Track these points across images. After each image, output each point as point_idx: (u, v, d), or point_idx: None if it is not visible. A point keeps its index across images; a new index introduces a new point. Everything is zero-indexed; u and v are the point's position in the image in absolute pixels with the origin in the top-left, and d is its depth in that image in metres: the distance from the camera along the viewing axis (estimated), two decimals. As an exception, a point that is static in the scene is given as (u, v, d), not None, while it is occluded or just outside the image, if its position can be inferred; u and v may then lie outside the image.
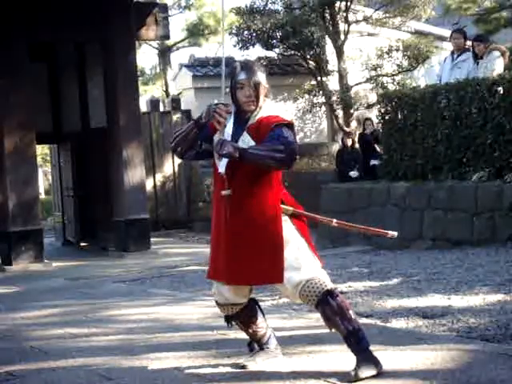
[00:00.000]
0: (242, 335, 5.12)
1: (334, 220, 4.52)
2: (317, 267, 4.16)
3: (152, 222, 14.46)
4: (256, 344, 4.53)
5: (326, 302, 4.06)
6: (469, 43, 10.82)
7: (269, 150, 4.06)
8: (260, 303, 6.74)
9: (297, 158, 4.23)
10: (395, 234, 4.47)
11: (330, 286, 4.10)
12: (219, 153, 4.05)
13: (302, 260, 4.13)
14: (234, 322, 4.50)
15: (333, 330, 4.17)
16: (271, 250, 4.12)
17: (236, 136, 4.21)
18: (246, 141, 4.18)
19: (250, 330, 4.48)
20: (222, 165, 4.19)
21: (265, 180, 4.22)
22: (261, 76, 4.31)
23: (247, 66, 4.32)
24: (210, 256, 4.32)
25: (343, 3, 16.34)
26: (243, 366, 4.39)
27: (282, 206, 4.23)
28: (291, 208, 4.27)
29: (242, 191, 4.18)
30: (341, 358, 4.42)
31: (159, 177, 16.80)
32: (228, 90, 4.34)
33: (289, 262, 4.10)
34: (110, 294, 8.06)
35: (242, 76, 4.24)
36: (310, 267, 4.12)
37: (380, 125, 11.91)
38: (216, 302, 4.41)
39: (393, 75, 16.82)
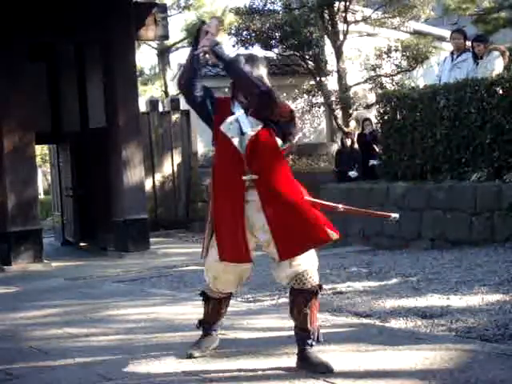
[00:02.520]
0: (241, 335, 5.13)
1: (340, 205, 4.67)
2: (313, 259, 4.34)
3: (151, 222, 14.46)
4: (205, 326, 4.75)
5: (316, 294, 4.29)
6: (468, 43, 10.83)
7: (254, 78, 4.23)
8: (259, 303, 6.79)
9: (274, 109, 4.27)
10: (397, 215, 4.66)
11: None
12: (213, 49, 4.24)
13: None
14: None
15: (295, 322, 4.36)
16: (307, 214, 4.27)
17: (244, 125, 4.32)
18: (253, 123, 4.30)
19: (213, 316, 4.72)
20: (243, 146, 4.30)
21: (281, 163, 4.37)
22: (263, 71, 4.43)
23: (252, 59, 4.44)
24: (222, 240, 4.38)
25: (342, 3, 16.34)
26: (190, 355, 4.61)
27: None
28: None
29: (264, 174, 4.29)
30: (340, 357, 4.43)
31: (158, 177, 16.81)
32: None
33: None
34: (110, 294, 8.06)
35: (246, 68, 4.31)
36: (311, 256, 4.32)
37: (379, 125, 11.91)
38: (208, 290, 4.62)
39: (392, 75, 16.82)
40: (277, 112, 4.31)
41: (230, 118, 4.37)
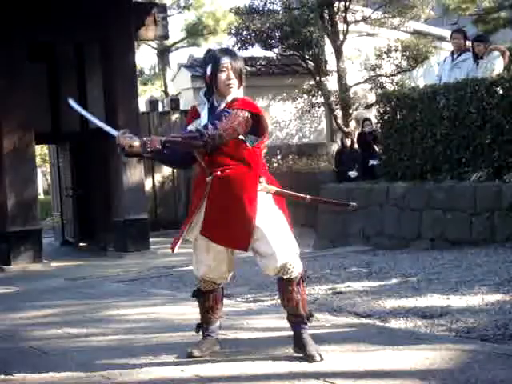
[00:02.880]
0: (241, 335, 5.13)
1: (308, 196, 4.87)
2: (296, 247, 4.48)
3: (151, 222, 14.47)
4: (203, 328, 4.78)
5: (301, 281, 4.46)
6: (469, 43, 10.82)
7: (188, 137, 4.31)
8: (259, 303, 6.79)
9: (221, 138, 4.30)
10: (355, 204, 5.07)
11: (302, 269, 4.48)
12: (146, 151, 4.27)
13: (287, 236, 4.47)
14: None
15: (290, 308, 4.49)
16: (244, 221, 4.37)
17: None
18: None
19: (209, 315, 4.77)
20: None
21: (242, 163, 4.43)
22: (241, 62, 4.48)
23: (229, 51, 4.54)
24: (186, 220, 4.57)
25: (342, 3, 16.36)
26: (190, 354, 4.63)
27: (266, 185, 4.48)
28: (274, 187, 4.53)
29: (222, 175, 4.41)
30: (340, 357, 4.43)
31: (158, 177, 16.81)
32: (208, 72, 4.44)
33: (274, 236, 4.37)
34: (110, 294, 8.06)
35: (225, 59, 4.38)
36: (294, 245, 4.47)
37: (379, 125, 11.91)
38: (201, 278, 4.72)
39: (392, 75, 16.84)
40: (241, 131, 4.36)
41: (195, 123, 4.51)
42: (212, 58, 4.45)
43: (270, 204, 4.50)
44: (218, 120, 4.32)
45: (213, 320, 4.79)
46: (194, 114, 4.63)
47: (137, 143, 4.33)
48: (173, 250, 4.59)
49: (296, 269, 4.42)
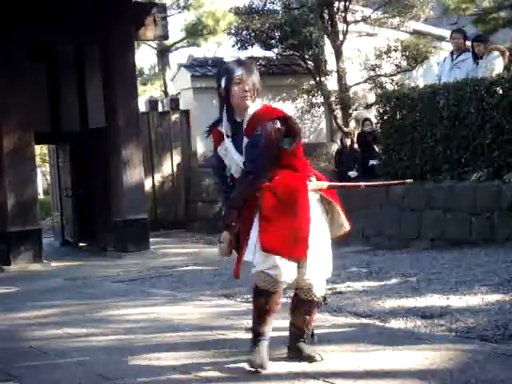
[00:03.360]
0: (241, 335, 5.12)
1: (362, 183, 5.02)
2: (328, 272, 4.43)
3: (151, 222, 14.45)
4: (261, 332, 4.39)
5: (319, 305, 4.45)
6: (468, 43, 10.83)
7: (240, 184, 4.26)
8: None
9: (270, 162, 4.26)
10: (411, 180, 5.16)
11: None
12: (231, 223, 4.25)
13: (325, 257, 4.36)
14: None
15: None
16: (300, 230, 4.23)
17: (239, 147, 4.31)
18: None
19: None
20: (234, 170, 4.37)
21: (288, 168, 4.35)
22: (257, 75, 4.36)
23: (244, 63, 4.39)
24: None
25: (342, 3, 16.35)
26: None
27: (317, 183, 4.47)
28: (325, 182, 4.55)
29: (271, 185, 4.27)
30: (340, 357, 4.43)
31: (158, 177, 16.79)
32: (223, 84, 4.32)
33: (315, 257, 4.27)
34: (109, 294, 8.06)
35: (239, 71, 4.28)
36: (328, 269, 4.41)
37: (379, 125, 11.91)
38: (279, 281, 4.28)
39: (391, 75, 16.83)
40: (277, 143, 4.29)
41: (223, 145, 4.39)
42: (225, 70, 4.35)
43: (318, 213, 4.39)
44: (255, 147, 4.22)
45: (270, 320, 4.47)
46: (217, 135, 4.46)
47: (226, 235, 4.30)
48: (237, 276, 4.34)
49: (319, 292, 4.41)
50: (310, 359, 4.36)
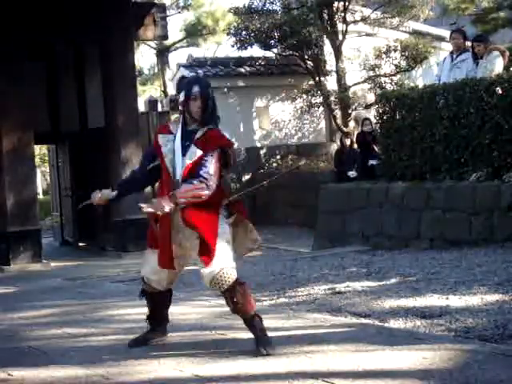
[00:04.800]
0: (240, 335, 5.13)
1: (265, 182, 5.64)
2: (229, 257, 4.75)
3: (150, 222, 14.45)
4: (151, 321, 5.21)
5: (235, 289, 4.70)
6: (468, 43, 10.82)
7: (192, 189, 4.67)
8: (258, 303, 6.78)
9: (212, 185, 4.74)
10: (302, 162, 5.33)
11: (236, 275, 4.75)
12: (162, 212, 4.66)
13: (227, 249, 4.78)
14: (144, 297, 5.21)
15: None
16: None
17: (184, 149, 4.81)
18: (194, 152, 4.77)
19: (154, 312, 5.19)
20: (178, 174, 4.81)
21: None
22: (211, 91, 4.90)
23: (201, 81, 4.97)
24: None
25: (341, 3, 16.36)
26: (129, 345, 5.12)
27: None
28: (235, 195, 5.03)
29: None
30: (339, 357, 4.43)
31: (158, 177, 16.79)
32: (181, 98, 4.84)
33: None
34: (109, 294, 8.06)
35: (196, 89, 4.81)
36: (224, 257, 4.73)
37: (378, 125, 11.91)
38: (144, 280, 5.09)
39: (391, 75, 16.84)
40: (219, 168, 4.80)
41: (167, 137, 4.91)
42: (184, 86, 4.88)
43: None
44: (202, 166, 4.72)
45: (161, 317, 5.21)
46: (165, 129, 5.03)
47: (149, 209, 4.73)
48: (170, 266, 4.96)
49: (226, 282, 4.69)
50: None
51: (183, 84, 4.94)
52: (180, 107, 4.89)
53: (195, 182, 4.68)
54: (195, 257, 4.80)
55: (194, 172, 4.72)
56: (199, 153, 4.74)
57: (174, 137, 4.89)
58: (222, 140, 4.88)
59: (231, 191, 5.14)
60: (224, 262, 4.69)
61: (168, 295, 5.20)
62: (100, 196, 5.29)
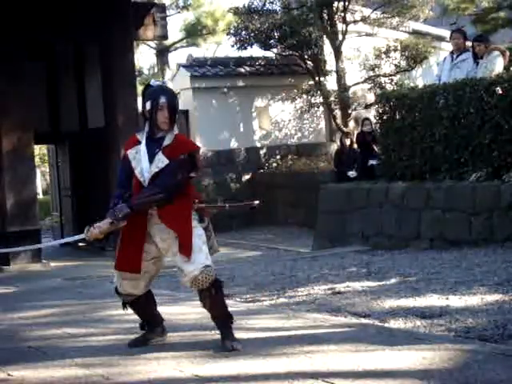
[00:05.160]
0: (240, 335, 5.13)
1: (227, 205, 6.04)
2: (208, 256, 4.87)
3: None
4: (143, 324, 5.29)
5: (214, 288, 4.82)
6: (468, 43, 10.82)
7: (150, 195, 4.79)
8: (258, 303, 6.79)
9: (178, 190, 4.87)
10: (257, 202, 5.69)
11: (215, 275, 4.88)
12: (119, 219, 4.75)
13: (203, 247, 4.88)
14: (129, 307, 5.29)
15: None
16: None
17: (151, 156, 4.88)
18: (161, 160, 4.85)
19: (144, 314, 5.28)
20: (146, 178, 4.87)
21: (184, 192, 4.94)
22: (177, 100, 5.04)
23: (167, 91, 5.00)
24: (120, 251, 4.99)
25: (341, 3, 16.36)
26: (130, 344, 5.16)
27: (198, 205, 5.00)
28: (203, 205, 5.11)
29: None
30: (339, 357, 4.43)
31: (157, 177, 16.80)
32: (147, 107, 4.89)
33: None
34: (109, 294, 8.02)
35: (162, 99, 4.86)
36: (203, 256, 4.83)
37: (378, 125, 11.91)
38: (117, 291, 5.19)
39: (391, 75, 16.84)
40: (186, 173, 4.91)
41: (136, 149, 4.96)
42: (151, 95, 4.92)
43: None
44: (171, 175, 4.82)
45: (150, 318, 5.27)
46: (134, 140, 5.06)
47: (105, 225, 4.80)
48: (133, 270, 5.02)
49: (206, 281, 4.78)
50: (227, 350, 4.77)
51: (149, 93, 4.97)
52: (146, 115, 4.95)
53: (155, 190, 4.78)
54: (173, 255, 4.87)
55: (156, 178, 4.84)
56: (166, 161, 4.84)
57: (141, 144, 4.98)
58: (190, 145, 5.11)
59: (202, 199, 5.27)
60: (204, 262, 4.78)
61: (148, 295, 5.26)
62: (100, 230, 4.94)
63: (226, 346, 4.76)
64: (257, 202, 5.77)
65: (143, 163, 4.88)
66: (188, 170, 4.92)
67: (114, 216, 4.76)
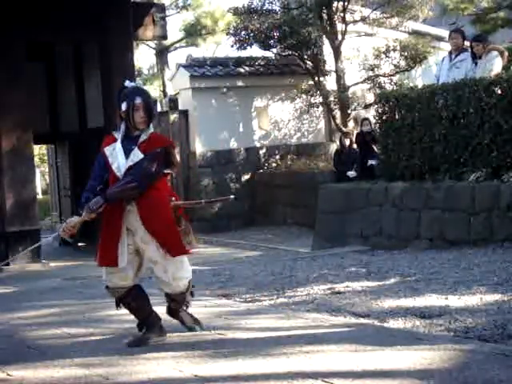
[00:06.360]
0: (239, 335, 5.14)
1: (203, 200, 6.51)
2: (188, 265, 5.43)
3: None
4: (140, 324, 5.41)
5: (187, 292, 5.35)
6: (467, 43, 10.83)
7: (123, 185, 4.99)
8: (257, 303, 6.79)
9: (151, 182, 5.09)
10: (232, 196, 6.10)
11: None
12: (94, 210, 5.02)
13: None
14: (122, 305, 5.42)
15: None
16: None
17: (128, 152, 5.10)
18: (137, 155, 5.06)
19: (139, 312, 5.40)
20: (123, 172, 5.07)
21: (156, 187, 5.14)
22: (152, 100, 5.26)
23: (142, 92, 5.21)
24: (102, 247, 5.32)
25: (340, 3, 16.36)
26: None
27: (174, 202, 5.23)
28: (179, 202, 5.39)
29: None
30: (338, 357, 4.43)
31: (157, 177, 16.80)
32: (123, 108, 5.07)
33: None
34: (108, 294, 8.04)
35: (138, 100, 5.06)
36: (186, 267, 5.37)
37: (377, 125, 11.91)
38: (107, 287, 5.36)
39: (390, 75, 16.84)
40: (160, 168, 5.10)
41: (113, 146, 5.22)
42: (127, 96, 5.10)
43: None
44: (145, 168, 5.03)
45: (144, 315, 5.39)
46: (111, 139, 5.30)
47: (76, 218, 5.13)
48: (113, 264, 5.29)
49: (180, 288, 5.33)
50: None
51: (125, 94, 5.13)
52: (122, 115, 5.12)
53: (128, 179, 4.98)
54: (153, 253, 5.14)
55: (130, 171, 5.04)
56: (141, 155, 5.04)
57: (117, 141, 5.21)
58: (165, 141, 5.42)
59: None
60: (188, 274, 5.31)
61: (137, 287, 5.39)
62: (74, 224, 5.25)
63: (190, 327, 5.39)
64: (232, 196, 6.10)
65: (120, 159, 5.10)
66: (162, 163, 5.10)
67: (90, 211, 5.01)
